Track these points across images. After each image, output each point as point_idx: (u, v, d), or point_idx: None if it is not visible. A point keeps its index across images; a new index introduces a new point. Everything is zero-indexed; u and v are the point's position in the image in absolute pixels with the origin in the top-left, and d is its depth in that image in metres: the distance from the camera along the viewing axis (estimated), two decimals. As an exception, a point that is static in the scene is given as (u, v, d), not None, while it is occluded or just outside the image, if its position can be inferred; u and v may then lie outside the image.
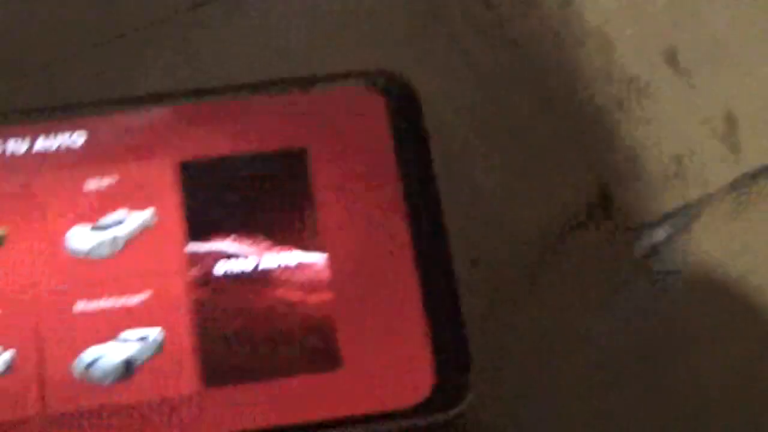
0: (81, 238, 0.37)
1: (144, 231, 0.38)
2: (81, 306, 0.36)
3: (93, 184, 0.38)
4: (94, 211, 0.37)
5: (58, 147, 0.38)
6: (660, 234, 0.41)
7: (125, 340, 0.36)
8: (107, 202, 0.38)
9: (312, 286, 0.37)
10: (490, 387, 0.38)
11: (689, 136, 0.42)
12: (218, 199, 0.38)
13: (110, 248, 0.37)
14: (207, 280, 0.37)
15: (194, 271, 0.37)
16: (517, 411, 0.38)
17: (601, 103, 0.42)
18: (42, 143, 0.38)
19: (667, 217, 0.41)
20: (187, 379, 0.36)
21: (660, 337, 0.39)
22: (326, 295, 0.37)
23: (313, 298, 0.37)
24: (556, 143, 0.42)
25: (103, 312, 0.36)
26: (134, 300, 0.37)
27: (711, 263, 0.40)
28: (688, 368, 0.39)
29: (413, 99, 0.39)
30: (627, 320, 0.39)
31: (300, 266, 0.37)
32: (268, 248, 0.38)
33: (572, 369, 0.39)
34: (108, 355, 0.36)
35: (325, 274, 0.37)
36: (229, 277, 0.37)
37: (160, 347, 0.36)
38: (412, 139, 0.39)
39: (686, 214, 0.41)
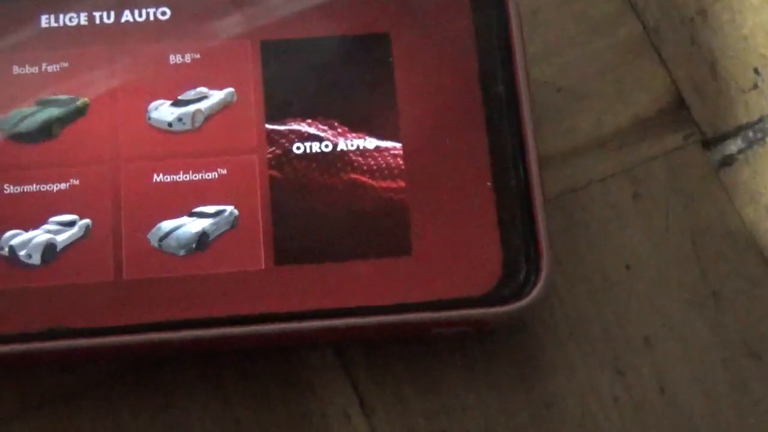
0: (163, 111, 0.38)
1: (224, 109, 0.38)
2: (159, 178, 0.37)
3: (175, 60, 0.38)
4: (175, 86, 0.38)
5: (143, 20, 0.39)
6: (733, 146, 0.41)
7: (201, 214, 0.37)
8: (189, 78, 0.38)
9: (387, 172, 0.37)
10: (560, 281, 0.39)
11: (768, 50, 0.42)
12: (298, 80, 0.38)
13: (191, 123, 0.38)
14: (283, 159, 0.37)
15: (271, 151, 0.37)
16: (587, 307, 0.39)
17: (683, 11, 0.42)
18: (128, 15, 0.39)
19: (740, 129, 0.41)
20: (258, 256, 0.37)
21: (733, 228, 0.40)
22: (400, 182, 0.37)
23: (388, 184, 0.37)
24: (635, 47, 0.41)
25: (181, 185, 0.37)
26: (211, 175, 0.37)
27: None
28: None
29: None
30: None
31: (377, 151, 0.38)
32: (346, 131, 0.38)
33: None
34: (184, 226, 0.37)
35: (401, 161, 0.38)
36: (305, 158, 0.38)
37: (235, 223, 0.37)
38: (496, 33, 0.39)
39: (761, 128, 0.41)
